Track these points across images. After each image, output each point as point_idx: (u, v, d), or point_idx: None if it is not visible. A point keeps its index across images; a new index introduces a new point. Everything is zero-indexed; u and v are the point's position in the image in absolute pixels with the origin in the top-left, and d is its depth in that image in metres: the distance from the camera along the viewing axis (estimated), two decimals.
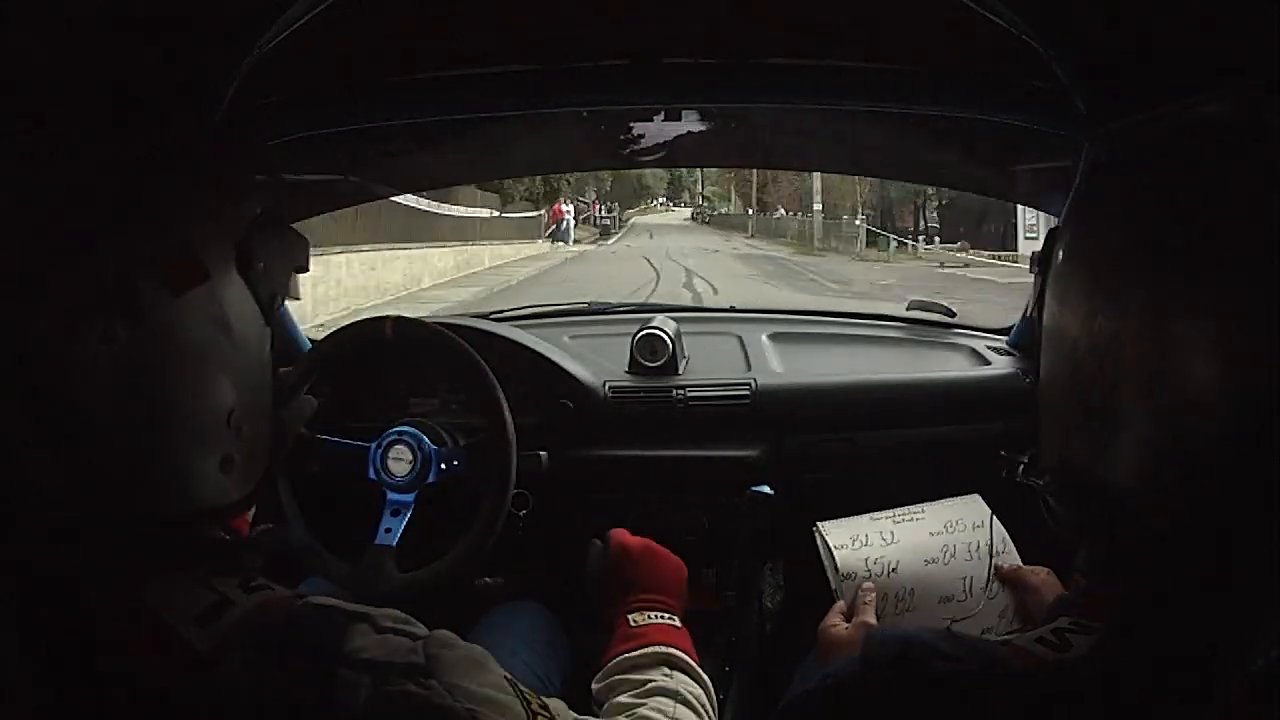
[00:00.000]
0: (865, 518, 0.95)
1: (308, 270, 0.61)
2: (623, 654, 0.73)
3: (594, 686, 0.73)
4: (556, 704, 0.56)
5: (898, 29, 0.85)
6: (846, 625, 0.84)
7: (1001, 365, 1.33)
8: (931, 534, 0.92)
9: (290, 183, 1.22)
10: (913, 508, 0.95)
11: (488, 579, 1.21)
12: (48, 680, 0.44)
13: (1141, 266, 0.46)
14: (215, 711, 0.45)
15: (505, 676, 0.53)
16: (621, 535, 0.86)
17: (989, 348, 1.40)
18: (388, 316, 1.13)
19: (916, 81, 0.92)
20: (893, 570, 0.89)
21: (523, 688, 0.53)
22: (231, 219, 0.53)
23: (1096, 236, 0.51)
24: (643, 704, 0.65)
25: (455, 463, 1.11)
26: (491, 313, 1.56)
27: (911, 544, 0.91)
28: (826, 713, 0.49)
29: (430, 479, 1.09)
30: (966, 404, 1.26)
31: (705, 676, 0.72)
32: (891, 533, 0.92)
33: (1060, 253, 0.54)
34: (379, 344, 1.13)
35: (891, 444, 1.25)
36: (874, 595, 0.87)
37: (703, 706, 0.68)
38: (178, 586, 0.48)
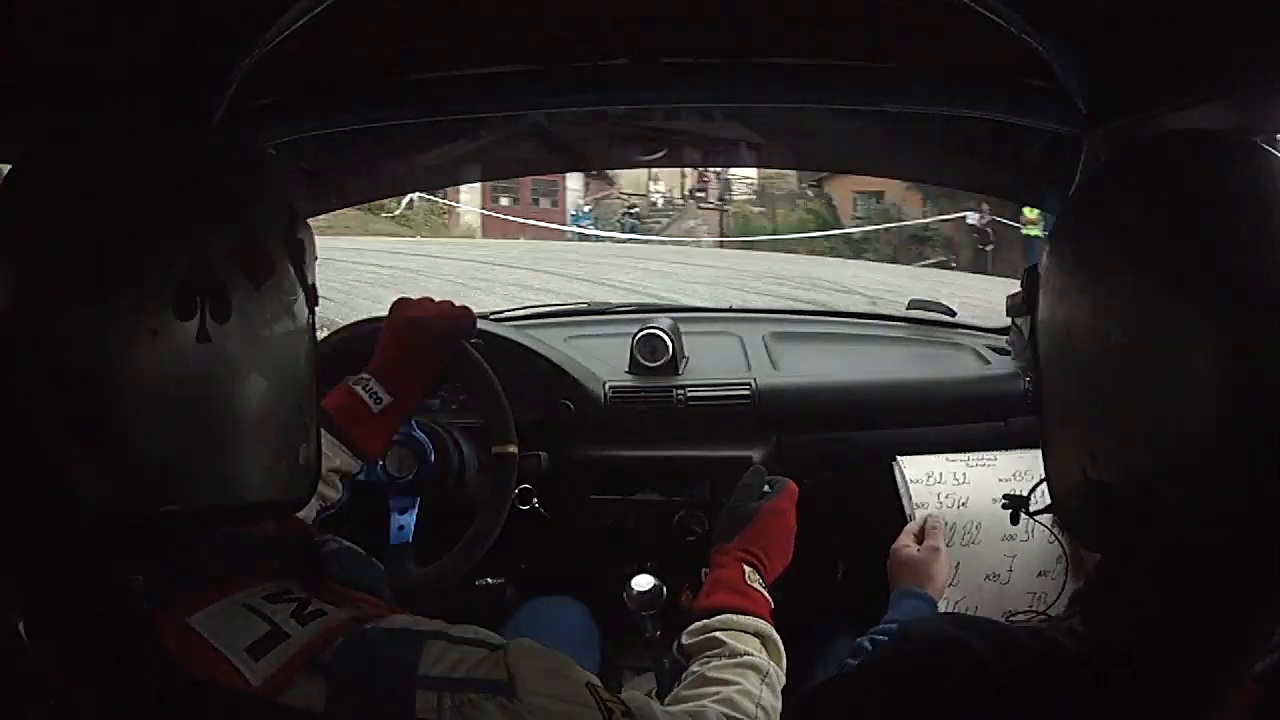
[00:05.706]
0: (941, 458, 1.01)
1: (316, 258, 0.61)
2: (728, 609, 0.72)
3: (686, 635, 0.72)
4: (635, 698, 0.54)
5: (898, 29, 0.85)
6: (918, 548, 0.89)
7: (1002, 365, 1.33)
8: (1000, 480, 0.98)
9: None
10: (985, 454, 1.01)
11: (489, 579, 1.21)
12: (93, 692, 0.42)
13: (1140, 267, 0.46)
14: None
15: (588, 683, 0.50)
16: (793, 493, 0.87)
17: (989, 347, 1.40)
18: None
19: (917, 81, 0.92)
20: (963, 505, 0.96)
21: (603, 693, 0.50)
22: (285, 210, 0.53)
23: (1097, 238, 0.50)
24: (737, 681, 0.64)
25: (458, 474, 1.11)
26: (492, 313, 1.56)
27: (982, 485, 0.97)
28: (864, 693, 0.50)
29: (429, 483, 1.09)
30: (967, 403, 1.26)
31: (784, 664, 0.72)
32: (965, 474, 0.99)
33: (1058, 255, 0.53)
34: None
35: (892, 444, 1.25)
36: (942, 523, 0.92)
37: (777, 696, 0.67)
38: (225, 615, 0.47)
